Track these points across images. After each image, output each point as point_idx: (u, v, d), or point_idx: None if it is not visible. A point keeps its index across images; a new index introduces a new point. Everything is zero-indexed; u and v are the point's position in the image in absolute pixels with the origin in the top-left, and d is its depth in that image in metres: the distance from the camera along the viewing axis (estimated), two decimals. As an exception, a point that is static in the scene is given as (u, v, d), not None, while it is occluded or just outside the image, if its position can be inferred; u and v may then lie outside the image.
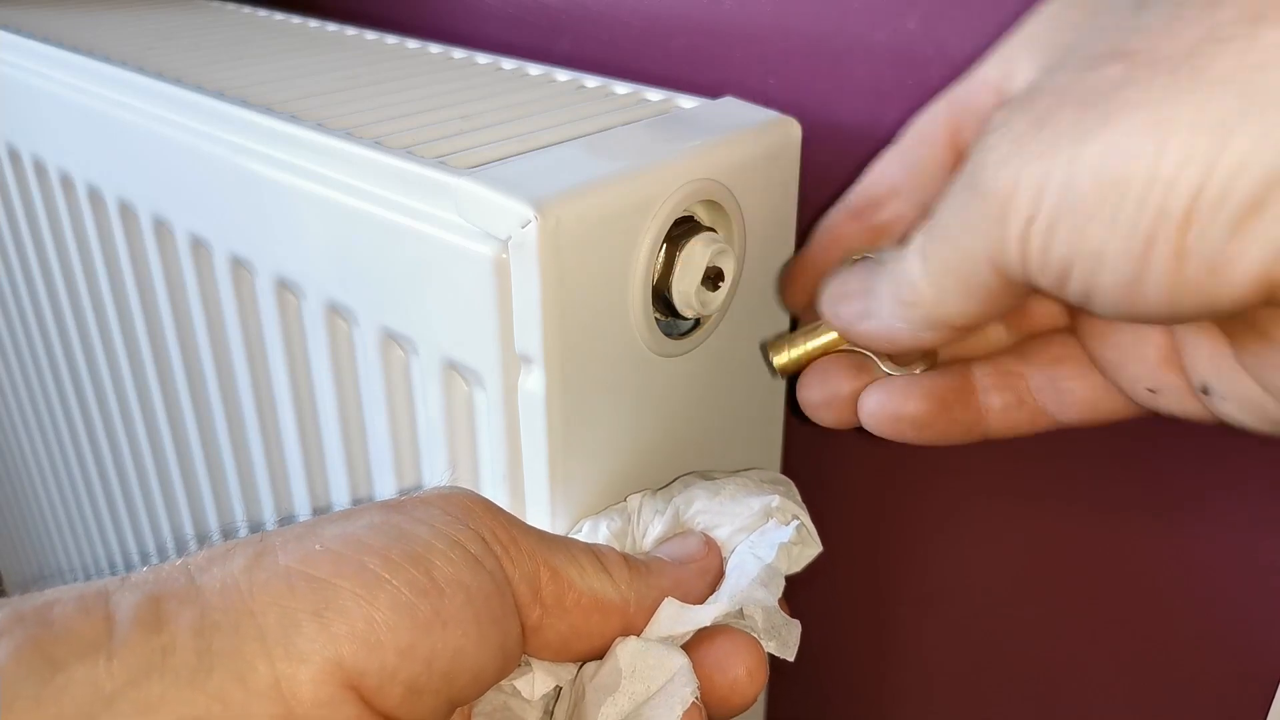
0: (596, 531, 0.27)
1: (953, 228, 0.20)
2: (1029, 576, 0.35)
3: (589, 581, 0.23)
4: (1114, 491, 0.32)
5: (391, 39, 0.43)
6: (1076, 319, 0.24)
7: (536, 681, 0.23)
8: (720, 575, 0.26)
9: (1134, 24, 0.17)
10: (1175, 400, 0.22)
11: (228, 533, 0.45)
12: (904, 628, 0.40)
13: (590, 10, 0.40)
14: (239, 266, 0.35)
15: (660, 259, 0.27)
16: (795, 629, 0.25)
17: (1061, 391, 0.24)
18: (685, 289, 0.27)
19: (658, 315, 0.28)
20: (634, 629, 0.23)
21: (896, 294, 0.22)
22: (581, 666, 0.24)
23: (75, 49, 0.41)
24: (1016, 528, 0.35)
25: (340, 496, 0.36)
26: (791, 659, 0.24)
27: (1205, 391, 0.21)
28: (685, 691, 0.22)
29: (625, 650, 0.23)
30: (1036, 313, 0.25)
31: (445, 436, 0.30)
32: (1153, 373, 0.22)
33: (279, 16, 0.49)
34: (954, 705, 0.40)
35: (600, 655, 0.23)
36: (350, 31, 0.45)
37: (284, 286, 0.33)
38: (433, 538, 0.20)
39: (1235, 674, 0.31)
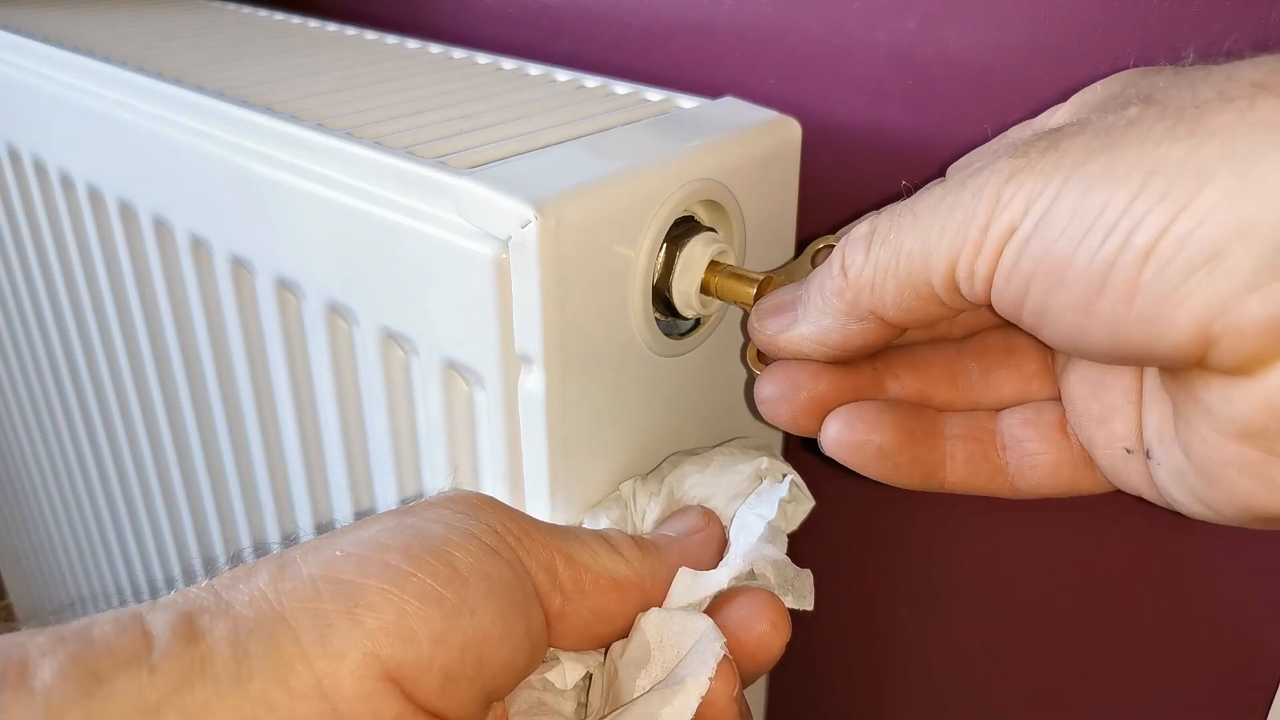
0: (597, 523, 0.27)
1: (924, 218, 0.20)
2: (1029, 576, 0.35)
3: (603, 563, 0.23)
4: (1114, 491, 0.32)
5: (391, 39, 0.43)
6: (1067, 371, 0.23)
7: (567, 671, 0.23)
8: (724, 542, 0.26)
9: (1167, 81, 0.18)
10: (1141, 466, 0.22)
11: (227, 533, 0.45)
12: (904, 628, 0.40)
13: (590, 10, 0.40)
14: (239, 266, 0.35)
15: (660, 259, 0.27)
16: (807, 578, 0.26)
17: (1027, 455, 0.24)
18: (685, 289, 0.27)
19: (658, 315, 0.28)
20: (653, 603, 0.24)
21: (825, 286, 0.22)
22: (608, 649, 0.24)
23: (75, 49, 0.41)
24: (1016, 528, 0.35)
25: (340, 496, 0.36)
26: (810, 608, 0.25)
27: (1148, 455, 0.21)
28: (715, 647, 0.22)
29: (649, 623, 0.23)
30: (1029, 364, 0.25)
31: (445, 436, 0.30)
32: (1134, 432, 0.22)
33: (279, 16, 0.49)
34: (954, 705, 0.40)
35: (623, 635, 0.24)
36: (350, 31, 0.45)
37: (284, 286, 0.33)
38: (448, 533, 0.21)
39: (1235, 674, 0.31)
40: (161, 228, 0.38)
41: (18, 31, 0.44)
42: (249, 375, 0.37)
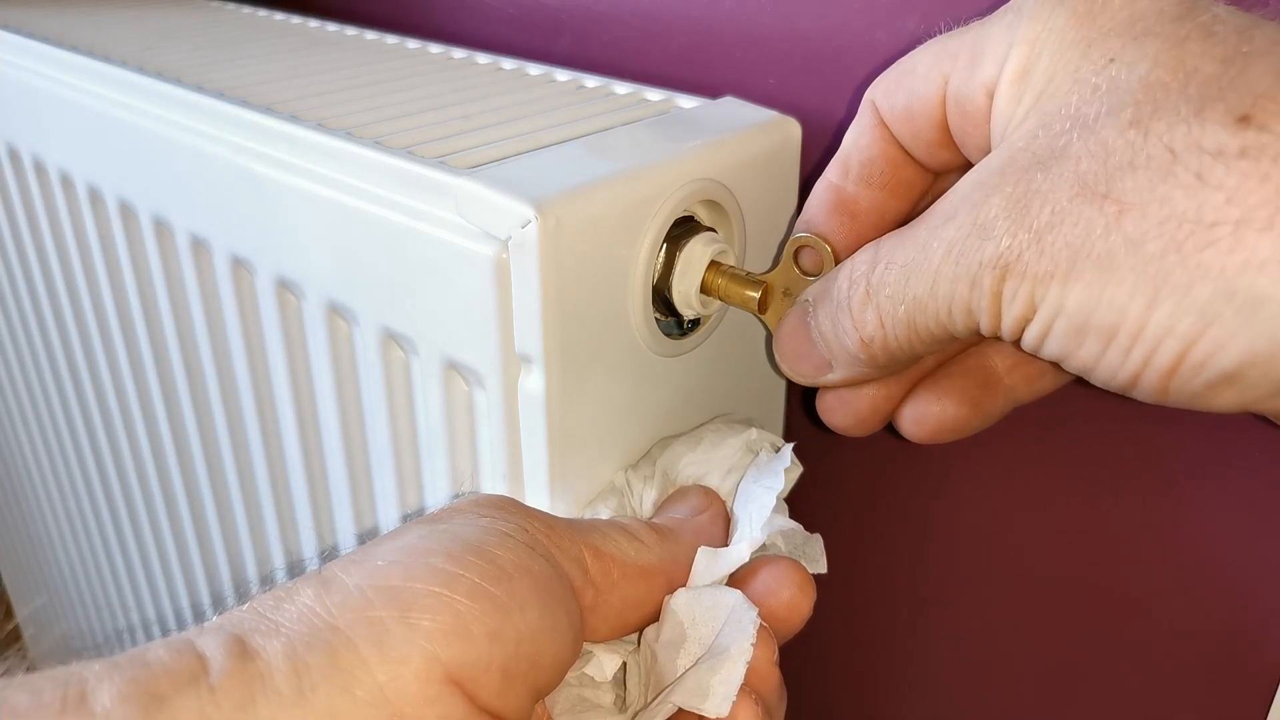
0: (597, 516, 0.27)
1: (939, 272, 0.21)
2: (1029, 576, 0.35)
3: (627, 553, 0.23)
4: (1114, 491, 0.32)
5: (391, 39, 0.43)
6: None
7: (605, 663, 0.24)
8: (728, 518, 0.27)
9: (1128, 157, 0.18)
10: None
11: (228, 533, 0.45)
12: (904, 628, 0.40)
13: (590, 10, 0.40)
14: (239, 266, 0.35)
15: (660, 259, 0.27)
16: (818, 543, 0.26)
17: None
18: (685, 289, 0.27)
19: (658, 315, 0.28)
20: (677, 585, 0.24)
21: (845, 343, 0.24)
22: (641, 636, 0.24)
23: (75, 49, 0.41)
24: (1016, 528, 0.35)
25: (340, 496, 0.36)
26: (824, 570, 0.26)
27: None
28: (751, 615, 0.23)
29: (679, 603, 0.24)
30: None
31: (445, 436, 0.30)
32: None
33: (279, 16, 0.49)
34: (954, 705, 0.40)
35: (652, 621, 0.24)
36: (350, 31, 0.45)
37: (284, 286, 0.33)
38: (482, 534, 0.21)
39: (1235, 674, 0.31)
40: (161, 228, 0.38)
41: (18, 31, 0.44)
42: (249, 375, 0.37)
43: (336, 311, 0.32)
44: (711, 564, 0.25)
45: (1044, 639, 0.36)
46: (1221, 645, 0.31)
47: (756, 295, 0.27)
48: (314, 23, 0.47)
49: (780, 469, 0.26)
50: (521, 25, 0.43)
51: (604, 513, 0.27)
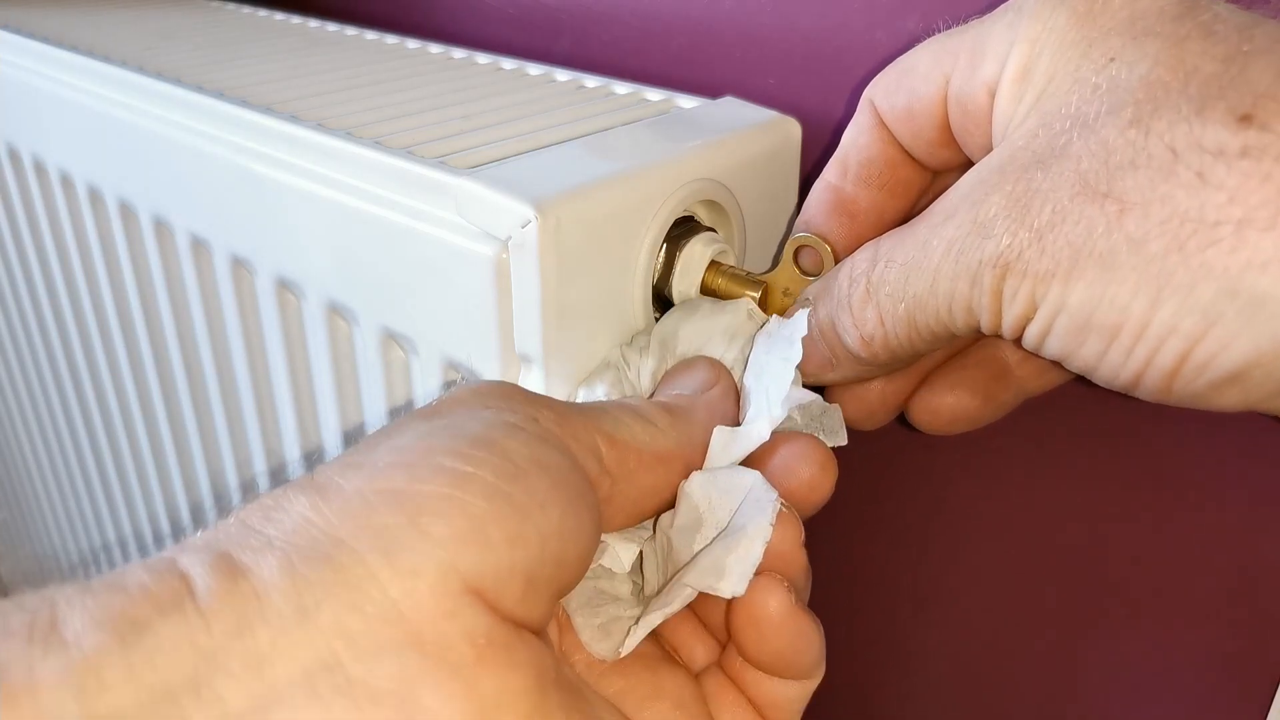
0: (593, 394, 0.26)
1: (939, 270, 0.21)
2: (1029, 576, 0.35)
3: (641, 438, 0.22)
4: (1114, 492, 0.32)
5: (391, 39, 0.43)
6: None
7: (621, 553, 0.23)
8: (737, 391, 0.25)
9: (1129, 156, 0.18)
10: None
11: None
12: (904, 628, 0.40)
13: (590, 10, 0.40)
14: (239, 266, 0.35)
15: (660, 259, 0.27)
16: (836, 413, 0.26)
17: None
18: (685, 289, 0.27)
19: (658, 315, 0.28)
20: (693, 469, 0.23)
21: (847, 341, 0.23)
22: (656, 521, 0.23)
23: (75, 49, 0.41)
24: (1016, 527, 0.35)
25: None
26: (845, 442, 0.25)
27: None
28: (770, 495, 0.22)
29: (694, 487, 0.22)
30: None
31: (445, 436, 0.29)
32: None
33: (279, 16, 0.49)
34: (954, 705, 0.40)
35: (667, 507, 0.23)
36: (350, 31, 0.45)
37: (284, 286, 0.33)
38: (489, 427, 0.19)
39: (1235, 674, 0.31)
40: (161, 228, 0.38)
41: (18, 31, 0.44)
42: (249, 375, 0.37)
43: (336, 311, 0.32)
44: (729, 444, 0.23)
45: (1044, 637, 0.36)
46: (1222, 645, 0.31)
47: (756, 295, 0.27)
48: (314, 23, 0.47)
49: (797, 337, 0.24)
50: (521, 25, 0.43)
51: (600, 389, 0.26)
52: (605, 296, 0.26)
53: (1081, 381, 0.22)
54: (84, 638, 0.14)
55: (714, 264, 0.27)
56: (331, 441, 0.35)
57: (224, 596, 0.15)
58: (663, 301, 0.28)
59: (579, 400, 0.26)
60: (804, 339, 0.25)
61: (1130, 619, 0.33)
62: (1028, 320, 0.19)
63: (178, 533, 0.49)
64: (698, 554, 0.22)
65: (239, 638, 0.15)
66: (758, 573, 0.21)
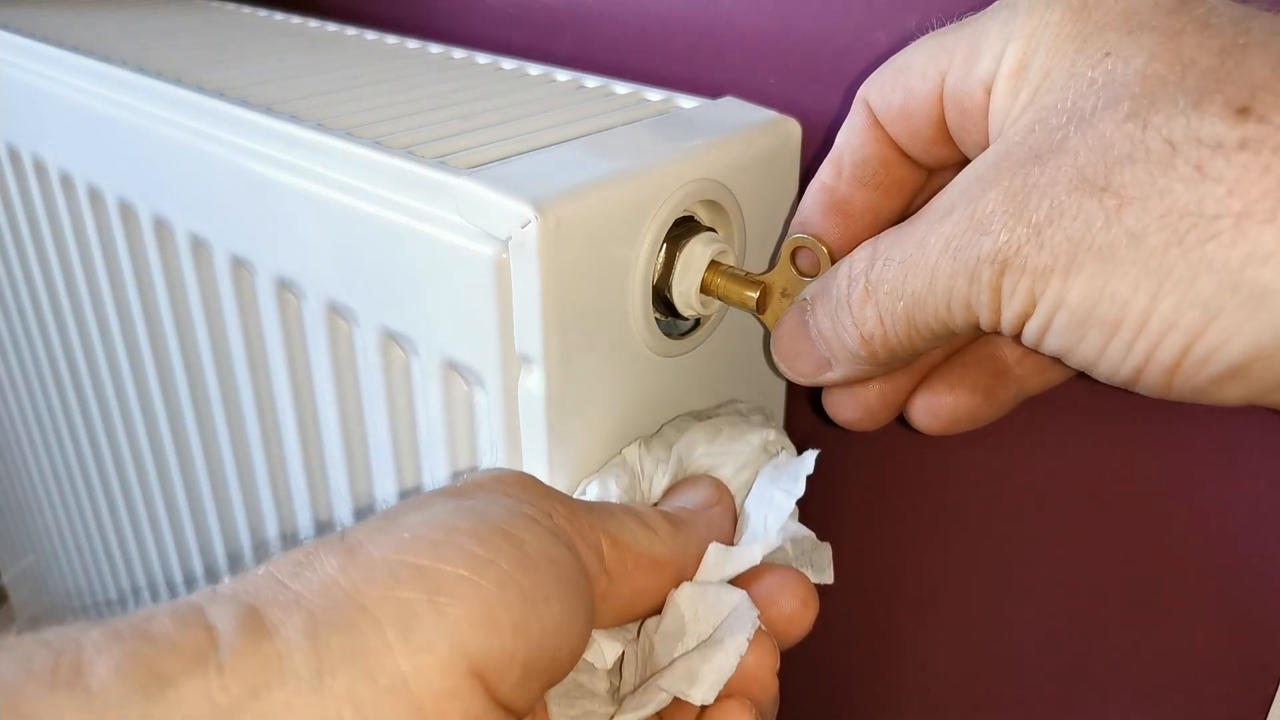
0: (606, 490, 0.27)
1: (938, 267, 0.20)
2: (1029, 576, 0.35)
3: (641, 542, 0.23)
4: (1114, 492, 0.32)
5: (391, 39, 0.43)
6: None
7: (605, 650, 0.23)
8: (735, 513, 0.26)
9: (1127, 150, 0.18)
10: None
11: (227, 532, 0.45)
12: (904, 628, 0.40)
13: (590, 10, 0.40)
14: (239, 266, 0.35)
15: (660, 259, 0.27)
16: (826, 551, 0.26)
17: None
18: (685, 289, 0.27)
19: (658, 315, 0.28)
20: (685, 578, 0.24)
21: (845, 340, 0.23)
22: (641, 624, 0.24)
23: (75, 49, 0.41)
24: (1016, 527, 0.35)
25: (340, 495, 0.36)
26: (831, 580, 0.26)
27: None
28: (751, 615, 0.22)
29: (683, 597, 0.23)
30: None
31: (445, 436, 0.30)
32: None
33: (279, 16, 0.49)
34: (954, 705, 0.40)
35: (657, 610, 0.24)
36: (350, 31, 0.45)
37: (284, 286, 0.33)
38: (509, 515, 0.20)
39: (1235, 674, 0.31)
40: (161, 228, 0.38)
41: (18, 31, 0.44)
42: (249, 375, 0.37)
43: (336, 311, 0.32)
44: (722, 561, 0.24)
45: (1044, 637, 0.36)
46: (1221, 645, 0.31)
47: (755, 295, 0.27)
48: (314, 23, 0.47)
49: (803, 475, 0.26)
50: (521, 25, 0.43)
51: (613, 487, 0.27)
52: (605, 296, 0.26)
53: (1082, 379, 0.22)
54: (108, 688, 0.15)
55: (714, 264, 0.27)
56: (331, 441, 0.35)
57: (247, 655, 0.16)
58: (663, 301, 0.28)
59: (590, 491, 0.27)
60: (802, 339, 0.25)
61: (1130, 619, 0.33)
62: (1027, 316, 0.19)
63: (178, 533, 0.49)
64: (675, 660, 0.23)
65: (256, 698, 0.15)
66: (729, 695, 0.22)
